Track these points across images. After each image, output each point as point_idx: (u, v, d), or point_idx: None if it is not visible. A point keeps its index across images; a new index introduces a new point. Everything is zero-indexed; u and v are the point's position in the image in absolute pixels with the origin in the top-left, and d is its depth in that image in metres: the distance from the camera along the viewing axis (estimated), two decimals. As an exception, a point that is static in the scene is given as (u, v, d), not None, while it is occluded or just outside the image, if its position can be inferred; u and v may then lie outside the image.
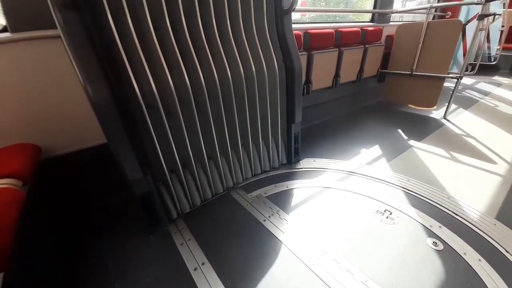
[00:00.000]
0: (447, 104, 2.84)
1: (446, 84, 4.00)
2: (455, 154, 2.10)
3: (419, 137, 2.43)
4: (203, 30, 1.30)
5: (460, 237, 1.30)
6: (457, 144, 2.27)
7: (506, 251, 1.20)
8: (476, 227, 1.35)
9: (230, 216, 1.52)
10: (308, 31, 2.25)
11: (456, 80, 2.65)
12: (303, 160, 2.09)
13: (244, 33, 1.47)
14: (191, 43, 1.27)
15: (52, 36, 1.29)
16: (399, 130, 2.61)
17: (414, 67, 2.87)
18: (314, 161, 2.08)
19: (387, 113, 3.16)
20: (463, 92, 3.83)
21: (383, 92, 3.39)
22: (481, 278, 1.09)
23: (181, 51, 1.26)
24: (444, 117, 2.86)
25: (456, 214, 1.44)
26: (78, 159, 1.54)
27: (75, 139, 1.52)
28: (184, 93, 1.30)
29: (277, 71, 1.64)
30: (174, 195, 1.45)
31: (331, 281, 1.10)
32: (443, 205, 1.53)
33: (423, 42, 2.75)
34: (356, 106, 3.41)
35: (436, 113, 3.02)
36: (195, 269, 1.19)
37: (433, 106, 2.96)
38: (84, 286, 1.15)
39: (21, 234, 0.86)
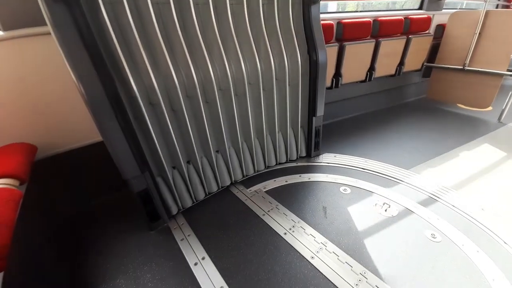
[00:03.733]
0: (504, 105, 2.47)
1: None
2: (497, 159, 1.87)
3: (460, 140, 2.16)
4: (216, 19, 1.24)
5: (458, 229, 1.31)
6: (504, 151, 1.98)
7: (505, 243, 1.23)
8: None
9: (229, 210, 1.52)
10: (342, 21, 2.13)
11: None
12: (323, 155, 2.02)
13: (265, 25, 1.41)
14: (200, 34, 1.20)
15: (45, 33, 1.25)
16: (440, 132, 2.34)
17: (467, 61, 2.52)
18: (335, 156, 1.99)
19: (429, 112, 2.84)
20: None
21: (428, 88, 3.03)
22: (479, 268, 1.12)
23: (188, 44, 1.20)
24: (499, 120, 2.50)
25: (454, 206, 1.47)
26: (77, 157, 1.52)
27: (72, 137, 1.48)
28: (190, 88, 1.25)
29: (300, 64, 1.58)
30: (175, 192, 1.43)
31: (330, 273, 1.12)
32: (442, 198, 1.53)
33: (479, 34, 2.38)
34: (394, 103, 3.12)
35: (490, 115, 2.64)
36: (196, 264, 1.20)
37: (486, 107, 2.58)
38: (86, 283, 1.18)
39: (19, 234, 0.86)
